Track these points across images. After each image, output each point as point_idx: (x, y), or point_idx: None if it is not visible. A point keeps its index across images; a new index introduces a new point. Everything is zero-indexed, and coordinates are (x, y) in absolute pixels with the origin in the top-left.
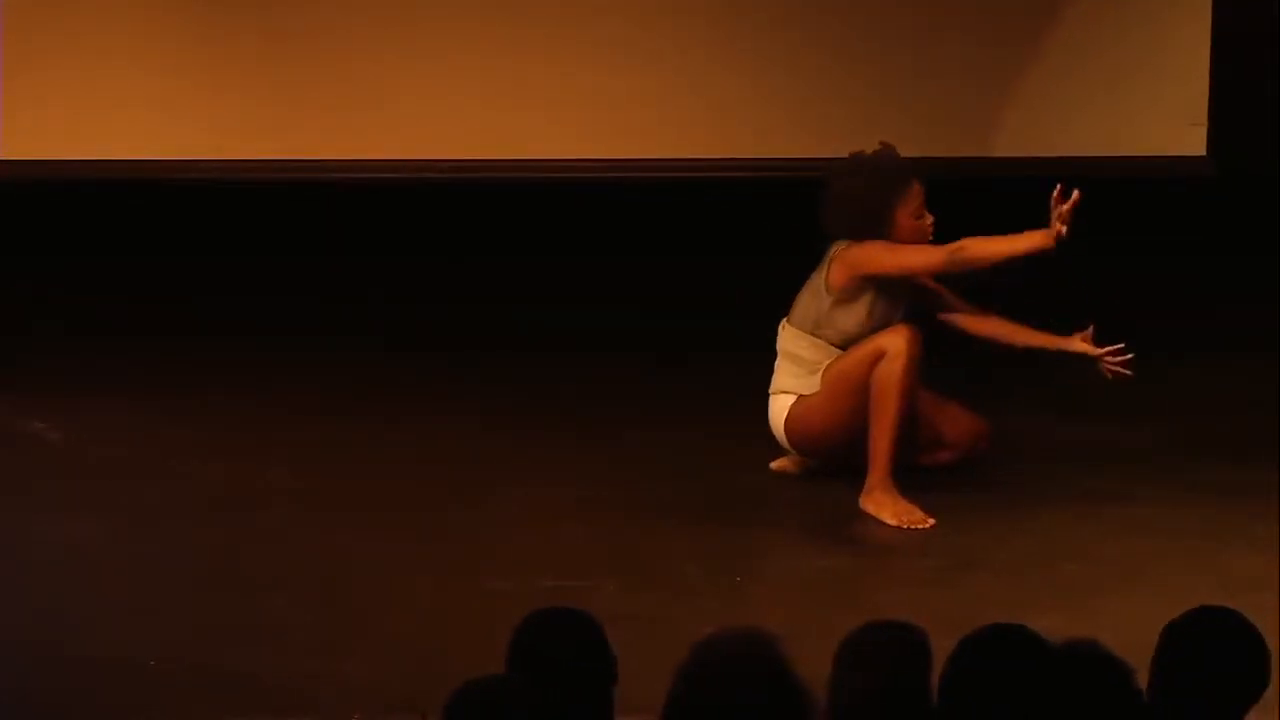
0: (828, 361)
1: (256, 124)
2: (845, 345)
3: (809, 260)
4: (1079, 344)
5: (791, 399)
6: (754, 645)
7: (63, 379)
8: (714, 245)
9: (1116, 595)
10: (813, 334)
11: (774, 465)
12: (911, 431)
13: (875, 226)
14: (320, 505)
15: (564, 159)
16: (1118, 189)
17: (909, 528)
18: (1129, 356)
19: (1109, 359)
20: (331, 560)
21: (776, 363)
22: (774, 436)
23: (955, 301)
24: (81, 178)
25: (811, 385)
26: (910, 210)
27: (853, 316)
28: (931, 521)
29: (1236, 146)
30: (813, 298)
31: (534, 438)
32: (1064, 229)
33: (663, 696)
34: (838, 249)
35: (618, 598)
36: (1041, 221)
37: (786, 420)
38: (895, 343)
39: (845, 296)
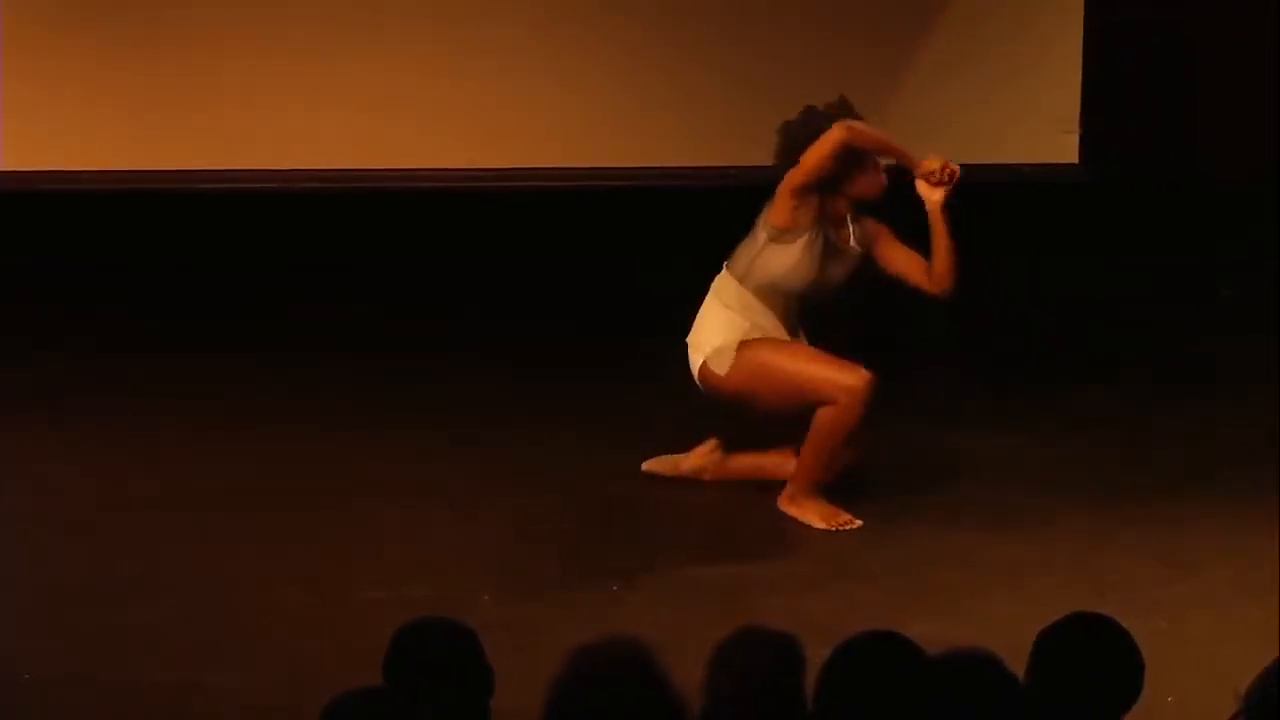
0: (744, 324)
1: (120, 134)
2: (770, 296)
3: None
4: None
5: (700, 358)
6: (628, 654)
7: None
8: (583, 248)
9: (992, 600)
10: (741, 281)
11: (646, 466)
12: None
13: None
14: (192, 514)
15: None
16: (991, 196)
17: (837, 529)
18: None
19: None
20: (204, 570)
21: (703, 304)
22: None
23: (899, 248)
24: None
25: (717, 341)
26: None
27: (786, 258)
28: (859, 522)
29: (1108, 153)
30: (750, 240)
31: (410, 445)
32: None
33: (539, 707)
34: None
35: (493, 608)
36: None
37: (701, 379)
38: (853, 397)
39: (781, 236)
